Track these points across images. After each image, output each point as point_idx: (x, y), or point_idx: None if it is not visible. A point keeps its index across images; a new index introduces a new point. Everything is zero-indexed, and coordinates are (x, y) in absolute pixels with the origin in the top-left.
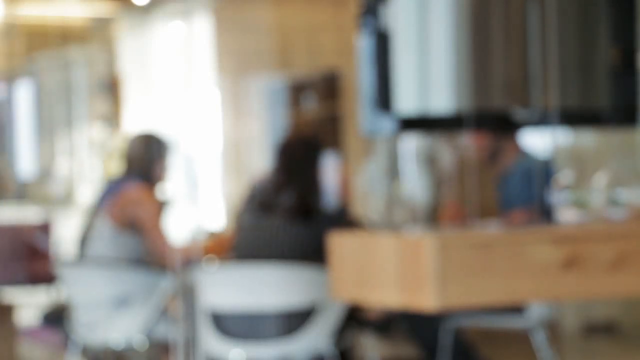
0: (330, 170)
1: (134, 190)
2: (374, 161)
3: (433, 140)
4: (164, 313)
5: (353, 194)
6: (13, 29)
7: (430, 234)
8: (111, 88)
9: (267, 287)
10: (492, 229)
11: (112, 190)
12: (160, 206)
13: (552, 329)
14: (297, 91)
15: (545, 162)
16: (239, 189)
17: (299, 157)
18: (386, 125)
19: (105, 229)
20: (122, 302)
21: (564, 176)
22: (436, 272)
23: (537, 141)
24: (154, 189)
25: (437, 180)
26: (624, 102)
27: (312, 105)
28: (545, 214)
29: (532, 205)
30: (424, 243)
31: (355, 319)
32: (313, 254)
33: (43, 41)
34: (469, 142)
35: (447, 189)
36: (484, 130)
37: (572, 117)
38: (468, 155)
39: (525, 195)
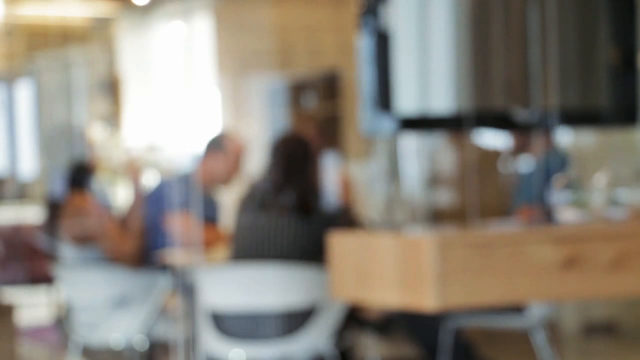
0: (330, 170)
1: None
2: (375, 161)
3: (433, 140)
4: (163, 313)
5: (354, 193)
6: (13, 29)
7: (430, 234)
8: (111, 88)
9: (267, 287)
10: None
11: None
12: None
13: (552, 329)
14: (297, 91)
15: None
16: (239, 189)
17: (296, 155)
18: (386, 125)
19: None
20: (121, 302)
21: (564, 176)
22: (436, 272)
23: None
24: None
25: (437, 180)
26: (624, 102)
27: (312, 105)
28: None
29: None
30: (424, 243)
31: (355, 319)
32: (313, 253)
33: (43, 41)
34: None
35: (446, 189)
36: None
37: (572, 117)
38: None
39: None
